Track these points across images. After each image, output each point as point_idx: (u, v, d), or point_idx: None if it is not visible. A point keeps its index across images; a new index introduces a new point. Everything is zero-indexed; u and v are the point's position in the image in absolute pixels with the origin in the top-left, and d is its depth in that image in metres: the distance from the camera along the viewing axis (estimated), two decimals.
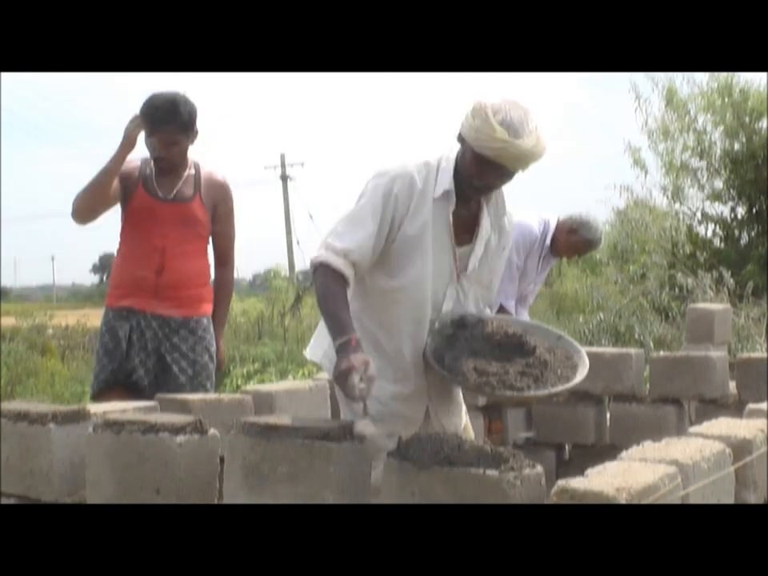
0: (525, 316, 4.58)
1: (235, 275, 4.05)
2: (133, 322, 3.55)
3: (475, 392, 2.55)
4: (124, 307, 3.57)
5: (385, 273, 2.45)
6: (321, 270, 2.37)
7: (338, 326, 2.29)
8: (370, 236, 2.39)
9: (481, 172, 2.38)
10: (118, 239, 3.70)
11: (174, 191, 3.59)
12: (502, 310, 4.34)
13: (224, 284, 3.84)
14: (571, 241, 4.47)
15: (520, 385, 2.28)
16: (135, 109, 3.49)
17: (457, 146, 2.47)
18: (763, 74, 12.11)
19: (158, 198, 3.58)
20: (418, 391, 2.55)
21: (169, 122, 3.47)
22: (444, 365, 2.37)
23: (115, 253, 3.74)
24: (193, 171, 3.65)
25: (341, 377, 2.20)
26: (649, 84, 12.81)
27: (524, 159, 2.33)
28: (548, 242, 4.47)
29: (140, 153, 3.57)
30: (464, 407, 2.75)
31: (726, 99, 12.52)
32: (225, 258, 3.81)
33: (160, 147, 3.51)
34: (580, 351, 2.46)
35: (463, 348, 2.40)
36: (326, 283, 2.36)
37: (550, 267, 4.82)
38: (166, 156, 3.54)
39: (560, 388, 2.33)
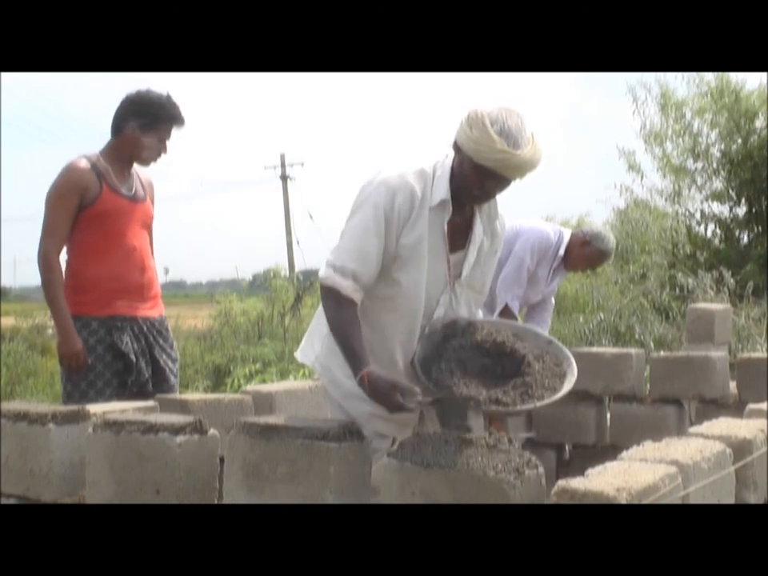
0: (545, 330, 4.53)
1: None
2: (128, 331, 3.48)
3: (461, 405, 2.55)
4: (118, 316, 3.47)
5: (380, 281, 2.43)
6: (331, 295, 2.36)
7: (356, 359, 2.31)
8: (377, 254, 2.37)
9: (481, 182, 2.36)
10: (75, 243, 3.47)
11: (134, 190, 3.56)
12: (506, 309, 4.34)
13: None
14: (585, 253, 4.54)
15: (506, 399, 2.26)
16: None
17: (451, 153, 2.44)
18: (754, 76, 12.14)
19: (125, 197, 3.52)
20: None
21: (175, 120, 3.51)
22: (431, 376, 2.35)
23: (72, 257, 3.51)
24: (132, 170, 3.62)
25: (390, 405, 2.26)
26: (642, 90, 12.83)
27: (524, 169, 2.33)
28: (560, 252, 4.51)
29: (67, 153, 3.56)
30: None
31: (719, 102, 12.52)
32: (153, 255, 3.76)
33: (164, 145, 3.54)
34: (569, 358, 2.44)
35: (451, 358, 2.38)
36: (337, 310, 2.36)
37: (559, 281, 4.84)
38: (163, 153, 3.56)
39: (546, 401, 2.29)
